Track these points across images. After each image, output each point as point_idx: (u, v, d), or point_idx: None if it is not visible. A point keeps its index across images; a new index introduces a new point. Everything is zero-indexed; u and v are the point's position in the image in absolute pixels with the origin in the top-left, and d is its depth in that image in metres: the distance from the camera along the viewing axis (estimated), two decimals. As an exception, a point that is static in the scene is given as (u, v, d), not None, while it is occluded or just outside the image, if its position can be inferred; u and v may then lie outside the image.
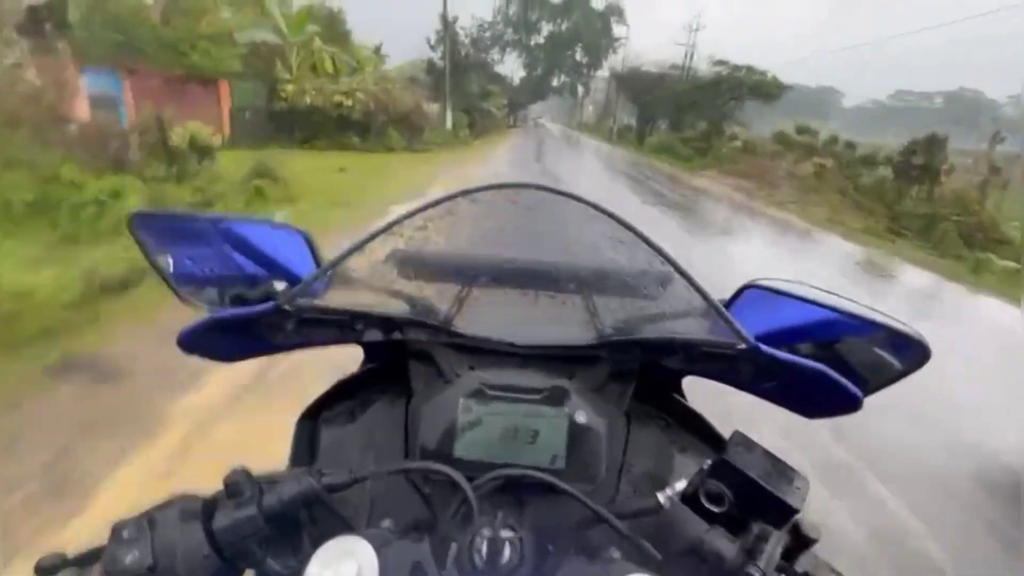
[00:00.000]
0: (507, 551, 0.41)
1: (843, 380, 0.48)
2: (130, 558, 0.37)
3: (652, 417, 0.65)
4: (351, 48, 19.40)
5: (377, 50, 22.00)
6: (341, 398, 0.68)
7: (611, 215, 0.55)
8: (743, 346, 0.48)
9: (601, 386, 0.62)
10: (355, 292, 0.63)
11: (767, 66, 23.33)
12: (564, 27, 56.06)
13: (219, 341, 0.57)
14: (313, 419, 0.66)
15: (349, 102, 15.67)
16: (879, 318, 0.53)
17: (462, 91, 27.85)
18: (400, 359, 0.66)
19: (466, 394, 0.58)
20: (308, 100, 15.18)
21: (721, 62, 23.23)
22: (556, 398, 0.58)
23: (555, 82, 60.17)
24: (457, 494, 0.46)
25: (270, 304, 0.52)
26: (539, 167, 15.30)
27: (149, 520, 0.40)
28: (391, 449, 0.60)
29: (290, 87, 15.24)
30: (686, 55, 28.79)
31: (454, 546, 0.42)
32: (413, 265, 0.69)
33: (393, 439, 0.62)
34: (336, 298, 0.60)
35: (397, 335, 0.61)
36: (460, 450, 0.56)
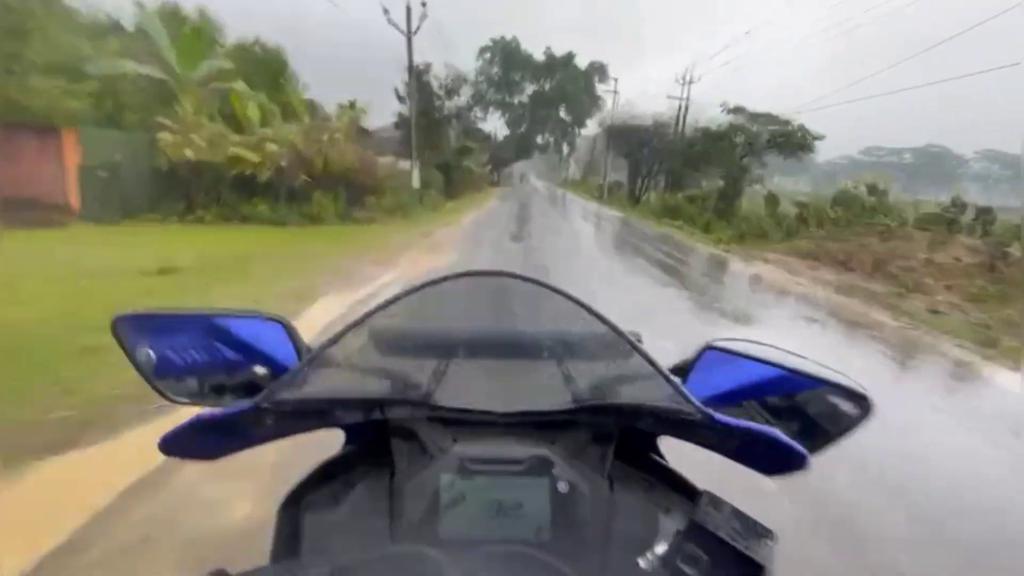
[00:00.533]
0: None
1: (790, 441, 0.51)
2: None
3: (633, 478, 0.67)
4: (288, 93, 15.10)
5: (352, 104, 18.46)
6: (323, 481, 0.68)
7: (571, 297, 0.58)
8: (699, 416, 0.52)
9: (582, 450, 0.64)
10: (333, 378, 0.62)
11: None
12: (547, 86, 54.39)
13: (201, 441, 0.58)
14: (295, 506, 0.65)
15: (255, 157, 11.14)
16: (826, 374, 0.57)
17: (437, 147, 24.05)
18: (382, 437, 0.67)
19: (448, 471, 0.60)
20: (191, 154, 10.56)
21: (737, 109, 19.62)
22: (538, 468, 0.60)
23: (539, 139, 57.87)
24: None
25: (250, 403, 0.52)
26: (520, 250, 9.95)
27: None
28: (376, 531, 0.59)
29: (169, 137, 10.67)
30: (680, 108, 25.66)
31: None
32: (389, 343, 0.71)
33: (378, 520, 0.62)
34: (315, 387, 0.59)
35: (378, 414, 0.65)
36: (444, 529, 0.58)
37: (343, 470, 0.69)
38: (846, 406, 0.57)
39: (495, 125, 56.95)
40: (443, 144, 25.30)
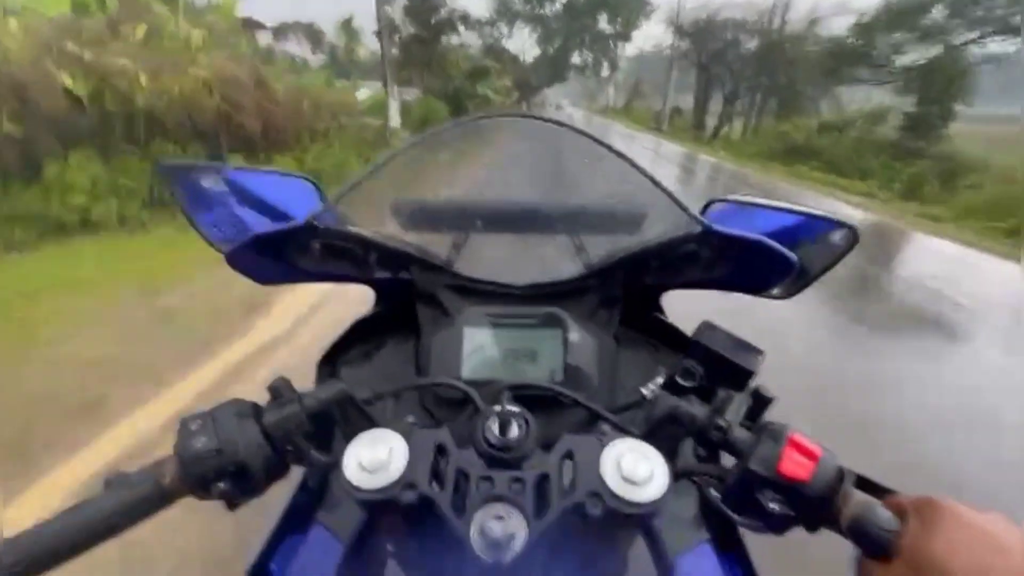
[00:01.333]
0: (515, 427, 0.44)
1: (778, 246, 0.54)
2: (199, 443, 0.42)
3: (638, 339, 0.72)
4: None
5: (347, 24, 11.99)
6: (355, 341, 0.72)
7: (576, 129, 0.61)
8: (699, 229, 0.55)
9: (591, 314, 0.69)
10: (369, 234, 0.65)
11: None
12: None
13: (259, 262, 0.61)
14: (331, 363, 0.71)
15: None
16: (817, 212, 0.62)
17: (440, 69, 16.74)
18: (408, 303, 0.71)
19: (469, 324, 0.66)
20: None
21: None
22: (552, 321, 0.66)
23: (576, 59, 47.31)
24: (465, 410, 0.54)
25: (302, 220, 0.55)
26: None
27: (211, 416, 0.45)
28: (405, 382, 0.59)
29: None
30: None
31: (469, 431, 0.46)
32: (415, 215, 0.76)
33: (406, 373, 0.68)
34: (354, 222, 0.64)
35: (404, 274, 0.70)
36: (467, 372, 0.63)
37: (373, 330, 0.74)
38: (834, 238, 0.61)
39: (522, 44, 46.50)
40: (448, 65, 17.83)
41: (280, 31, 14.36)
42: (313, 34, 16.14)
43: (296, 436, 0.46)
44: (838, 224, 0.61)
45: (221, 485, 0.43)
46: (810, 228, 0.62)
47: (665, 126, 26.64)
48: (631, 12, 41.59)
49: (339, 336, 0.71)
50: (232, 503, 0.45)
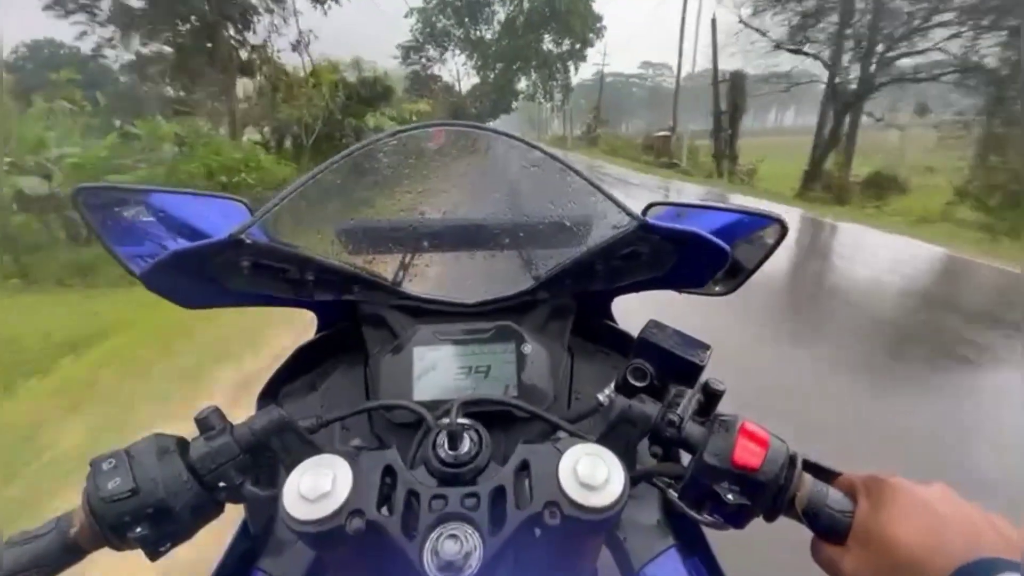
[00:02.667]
0: (467, 440, 0.43)
1: (710, 236, 0.55)
2: (111, 485, 0.38)
3: (590, 348, 0.73)
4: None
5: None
6: (298, 370, 0.69)
7: (514, 136, 0.62)
8: (635, 225, 0.55)
9: (543, 326, 0.69)
10: (305, 252, 0.62)
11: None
12: (525, 3, 36.37)
13: (180, 282, 0.57)
14: (273, 396, 0.67)
15: None
16: (748, 209, 0.66)
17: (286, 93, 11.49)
18: (354, 325, 0.69)
19: (419, 344, 0.64)
20: None
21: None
22: (504, 335, 0.65)
23: (522, 84, 40.04)
24: (419, 432, 0.50)
25: (226, 235, 0.51)
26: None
27: (126, 453, 0.41)
28: (354, 407, 0.58)
29: None
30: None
31: (419, 451, 0.46)
32: (357, 236, 0.72)
33: (354, 402, 0.63)
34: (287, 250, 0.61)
35: (348, 296, 0.66)
36: (419, 393, 0.61)
37: (317, 358, 0.70)
38: (766, 232, 0.66)
39: (458, 71, 39.04)
40: (292, 87, 9.97)
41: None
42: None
43: (228, 471, 0.43)
44: (767, 218, 0.64)
45: (139, 531, 0.39)
46: (743, 225, 0.65)
47: (684, 161, 19.13)
48: (583, 28, 34.59)
49: (280, 365, 0.68)
50: (153, 552, 0.40)
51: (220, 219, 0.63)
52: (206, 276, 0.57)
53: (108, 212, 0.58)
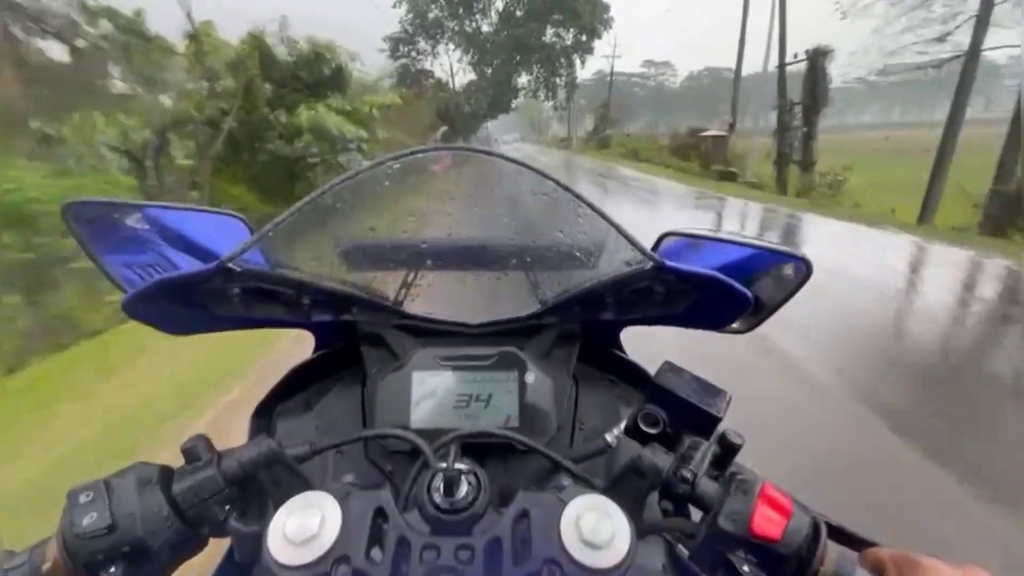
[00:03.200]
0: (464, 485, 0.41)
1: (732, 282, 0.53)
2: (87, 520, 0.37)
3: (597, 377, 0.70)
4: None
5: None
6: (294, 389, 0.68)
7: (526, 166, 0.58)
8: (651, 265, 0.52)
9: (548, 353, 0.66)
10: (301, 274, 0.60)
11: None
12: None
13: (166, 309, 0.54)
14: (268, 414, 0.66)
15: None
16: (771, 245, 0.61)
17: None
18: (352, 345, 0.67)
19: (419, 368, 0.61)
20: None
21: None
22: (507, 362, 0.62)
23: (522, 80, 35.77)
24: (415, 462, 0.47)
25: (214, 263, 0.49)
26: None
27: (106, 484, 0.40)
28: (345, 435, 0.54)
29: None
30: None
31: (413, 490, 0.43)
32: (358, 254, 0.71)
33: (350, 424, 0.63)
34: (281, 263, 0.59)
35: (347, 317, 0.64)
36: (416, 420, 0.59)
37: (313, 377, 0.69)
38: (789, 270, 0.61)
39: (453, 66, 34.77)
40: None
41: None
42: None
43: (213, 505, 0.41)
44: (790, 256, 0.61)
45: (113, 570, 0.37)
46: (764, 260, 0.62)
47: (749, 171, 14.82)
48: (591, 17, 30.25)
49: (275, 385, 0.66)
50: None
51: (217, 235, 0.61)
52: (193, 303, 0.54)
53: (98, 227, 0.55)
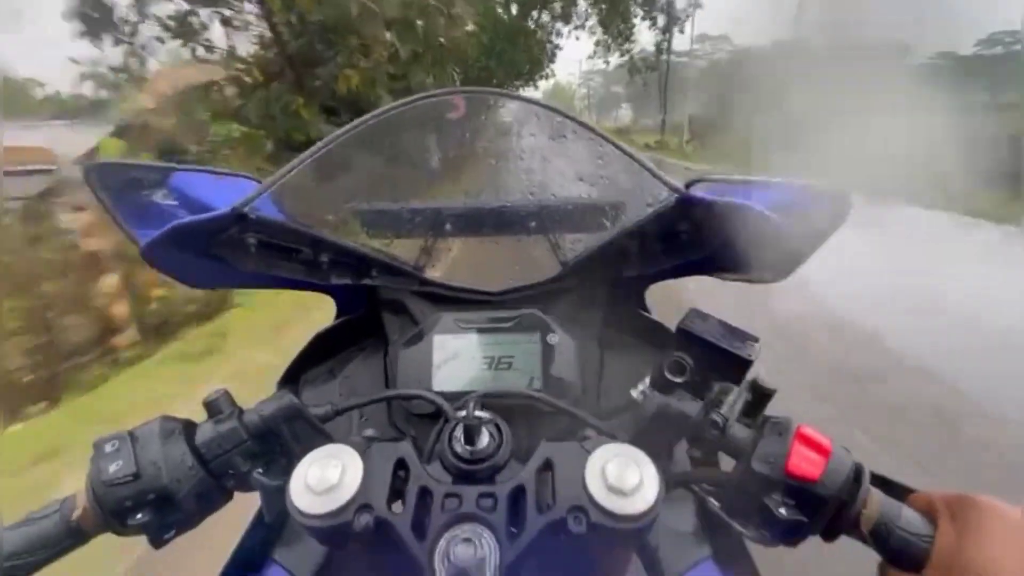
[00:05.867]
0: (485, 434, 0.41)
1: (761, 209, 0.49)
2: (113, 468, 0.38)
3: (623, 339, 0.67)
4: None
5: None
6: (318, 357, 0.68)
7: (544, 105, 0.58)
8: (675, 199, 0.51)
9: (571, 315, 0.64)
10: (319, 232, 0.59)
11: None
12: None
13: (185, 260, 0.54)
14: (293, 382, 0.66)
15: None
16: (807, 183, 0.58)
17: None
18: (373, 311, 0.67)
19: (440, 332, 0.60)
20: None
21: None
22: (529, 324, 0.61)
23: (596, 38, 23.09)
24: (437, 423, 0.47)
25: (228, 208, 0.49)
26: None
27: (131, 435, 0.40)
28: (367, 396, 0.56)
29: None
30: None
31: (436, 446, 0.43)
32: (376, 218, 0.70)
33: (374, 390, 0.63)
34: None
35: (367, 281, 0.63)
36: (438, 384, 0.58)
37: (337, 345, 0.69)
38: (825, 207, 0.56)
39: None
40: None
41: None
42: None
43: (235, 458, 0.42)
44: (824, 193, 0.57)
45: (140, 517, 0.38)
46: (797, 201, 0.58)
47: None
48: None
49: (300, 352, 0.66)
50: (156, 539, 0.39)
51: (234, 196, 0.59)
52: (212, 254, 0.54)
53: (119, 190, 0.55)
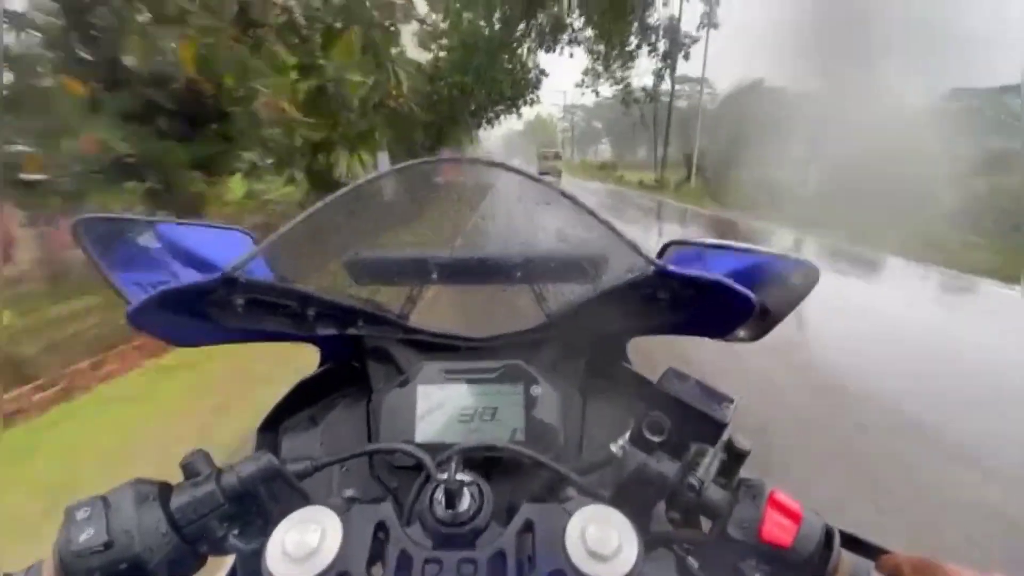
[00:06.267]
0: (466, 498, 0.41)
1: (736, 285, 0.52)
2: (84, 536, 0.37)
3: (604, 390, 0.68)
4: None
5: None
6: (300, 404, 0.68)
7: (529, 175, 0.58)
8: (652, 270, 0.53)
9: (554, 365, 0.65)
10: (306, 287, 0.61)
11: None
12: None
13: (171, 321, 0.54)
14: (273, 429, 0.66)
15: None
16: (775, 252, 0.61)
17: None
18: (358, 360, 0.68)
19: (424, 382, 0.61)
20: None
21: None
22: (513, 375, 0.61)
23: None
24: (419, 478, 0.46)
25: (218, 273, 0.49)
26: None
27: (104, 501, 0.39)
28: (347, 451, 0.54)
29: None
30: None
31: (416, 505, 0.43)
32: (363, 268, 0.71)
33: (356, 439, 0.63)
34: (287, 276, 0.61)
35: (352, 331, 0.64)
36: (421, 434, 0.58)
37: (319, 392, 0.69)
38: (796, 276, 0.59)
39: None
40: None
41: None
42: None
43: (212, 521, 0.41)
44: (796, 262, 0.60)
45: None
46: (769, 267, 0.60)
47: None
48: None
49: (281, 399, 0.66)
50: None
51: (225, 250, 0.61)
52: (198, 314, 0.55)
53: (109, 243, 0.56)
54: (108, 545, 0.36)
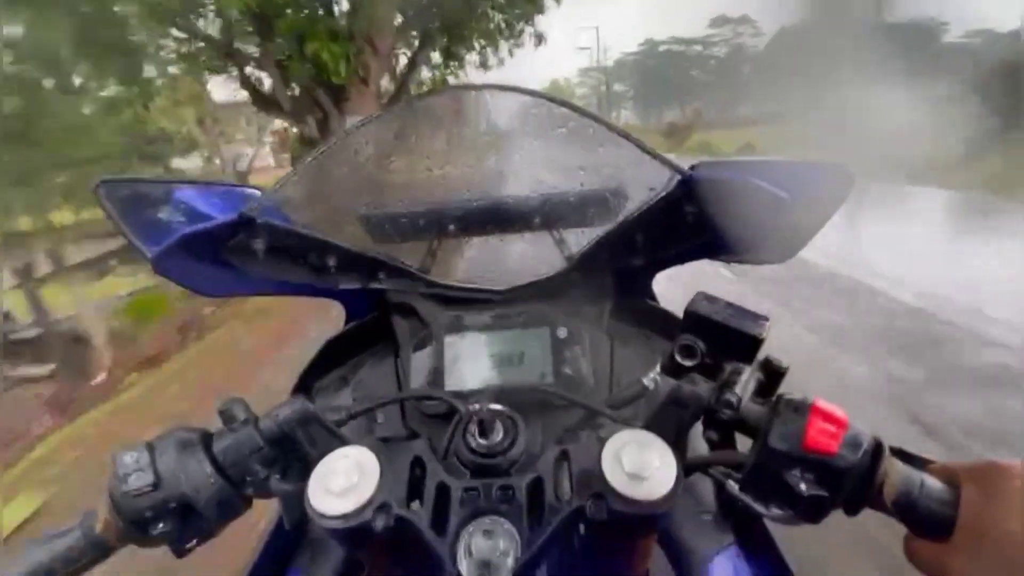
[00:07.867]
0: (499, 428, 0.42)
1: (766, 184, 0.50)
2: (133, 479, 0.38)
3: (632, 330, 0.68)
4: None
5: None
6: (329, 363, 0.69)
7: (540, 95, 0.58)
8: (677, 180, 0.52)
9: (579, 308, 0.65)
10: (325, 236, 0.62)
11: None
12: None
13: (194, 268, 0.56)
14: (306, 391, 0.67)
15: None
16: (808, 161, 0.56)
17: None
18: (383, 316, 0.68)
19: (450, 332, 0.61)
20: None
21: None
22: (538, 319, 0.61)
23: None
24: (451, 424, 0.47)
25: (236, 213, 0.51)
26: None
27: (148, 447, 0.40)
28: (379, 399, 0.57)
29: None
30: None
31: (451, 442, 0.44)
32: (381, 225, 0.71)
33: (387, 394, 0.63)
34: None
35: (375, 284, 0.65)
36: (450, 384, 0.59)
37: (348, 351, 0.69)
38: (828, 182, 0.54)
39: None
40: None
41: None
42: None
43: (253, 464, 0.42)
44: (828, 166, 0.55)
45: (162, 527, 0.38)
46: (801, 176, 0.56)
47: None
48: None
49: (311, 360, 0.66)
50: (179, 548, 0.40)
51: (240, 207, 0.60)
52: (220, 261, 0.56)
53: (129, 204, 0.56)
54: (156, 486, 0.38)
